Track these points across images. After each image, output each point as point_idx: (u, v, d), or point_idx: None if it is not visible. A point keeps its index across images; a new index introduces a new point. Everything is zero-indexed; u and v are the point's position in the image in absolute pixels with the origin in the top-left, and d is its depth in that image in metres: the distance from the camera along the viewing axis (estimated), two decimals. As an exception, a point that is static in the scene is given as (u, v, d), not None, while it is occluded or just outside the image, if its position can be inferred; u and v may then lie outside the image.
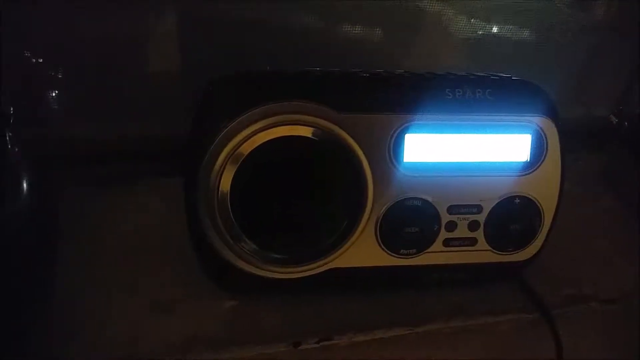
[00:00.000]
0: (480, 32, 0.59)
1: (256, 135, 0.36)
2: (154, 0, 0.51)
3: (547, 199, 0.41)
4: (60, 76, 0.51)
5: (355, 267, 0.41)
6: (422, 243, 0.41)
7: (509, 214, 0.41)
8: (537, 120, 0.40)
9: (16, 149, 0.40)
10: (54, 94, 0.52)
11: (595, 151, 0.62)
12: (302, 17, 0.54)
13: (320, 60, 0.51)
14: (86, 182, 0.51)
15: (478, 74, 0.41)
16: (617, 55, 0.64)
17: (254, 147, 0.36)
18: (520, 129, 0.40)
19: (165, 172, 0.51)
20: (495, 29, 0.59)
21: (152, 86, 0.54)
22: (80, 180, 0.51)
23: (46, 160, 0.44)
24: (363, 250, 0.40)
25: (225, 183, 0.36)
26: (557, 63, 0.63)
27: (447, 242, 0.41)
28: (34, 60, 0.50)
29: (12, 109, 0.42)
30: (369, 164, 0.38)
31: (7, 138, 0.40)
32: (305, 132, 0.37)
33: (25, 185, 0.39)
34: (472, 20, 0.58)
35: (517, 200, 0.41)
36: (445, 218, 0.40)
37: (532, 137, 0.40)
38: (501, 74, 0.42)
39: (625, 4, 0.62)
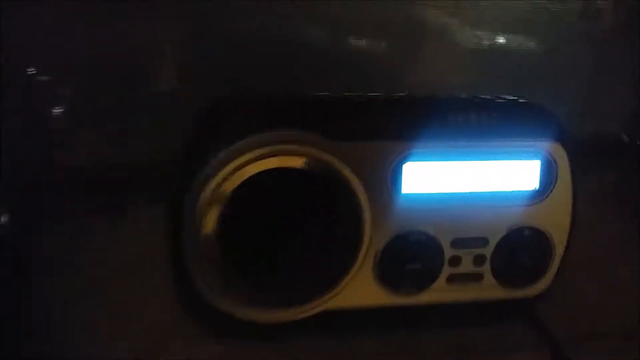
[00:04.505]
0: (485, 43, 0.58)
1: (244, 168, 0.34)
2: (149, 24, 0.50)
3: (558, 229, 0.39)
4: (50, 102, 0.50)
5: (352, 308, 0.38)
6: (425, 280, 0.38)
7: (517, 247, 0.39)
8: (546, 145, 0.38)
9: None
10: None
11: (606, 170, 0.60)
12: (305, 30, 0.54)
13: (325, 74, 0.53)
14: (77, 211, 0.48)
15: (482, 96, 0.39)
16: (628, 70, 0.62)
17: (242, 180, 0.34)
18: (528, 155, 0.38)
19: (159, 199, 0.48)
20: (501, 40, 0.58)
21: (145, 111, 0.52)
22: (71, 210, 0.49)
23: (32, 189, 0.43)
24: (361, 289, 0.38)
25: (211, 219, 0.34)
26: (564, 79, 0.61)
27: (451, 279, 0.39)
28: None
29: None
30: (366, 195, 0.36)
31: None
32: (297, 163, 0.34)
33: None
34: (477, 32, 0.57)
35: (526, 232, 0.39)
36: (449, 252, 0.38)
37: (541, 163, 0.38)
38: (507, 97, 0.40)
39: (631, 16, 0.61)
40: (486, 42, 0.58)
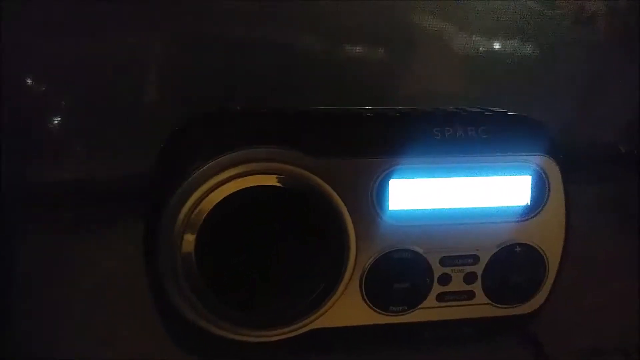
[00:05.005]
0: (482, 49, 0.56)
1: (222, 186, 0.32)
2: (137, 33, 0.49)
3: (552, 245, 0.38)
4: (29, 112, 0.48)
5: (339, 328, 0.37)
6: (414, 299, 0.37)
7: (509, 264, 0.37)
8: (537, 159, 0.36)
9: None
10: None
11: (603, 181, 0.58)
12: (299, 36, 0.52)
13: (319, 82, 0.51)
14: (55, 226, 0.47)
15: (470, 109, 0.38)
16: (624, 79, 0.61)
17: (219, 199, 0.32)
18: (518, 170, 0.36)
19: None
20: (497, 46, 0.57)
21: (125, 123, 0.50)
22: (49, 225, 0.47)
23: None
24: (348, 309, 0.36)
25: (188, 240, 0.33)
26: (560, 87, 0.59)
27: (441, 297, 0.37)
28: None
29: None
30: (350, 214, 0.34)
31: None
32: (277, 181, 0.33)
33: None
34: (474, 37, 0.55)
35: (518, 249, 0.37)
36: (438, 270, 0.36)
37: (532, 178, 0.36)
38: (495, 109, 0.38)
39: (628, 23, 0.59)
40: (479, 49, 0.56)
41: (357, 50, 0.54)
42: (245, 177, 0.32)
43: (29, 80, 0.47)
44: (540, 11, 0.56)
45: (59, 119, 0.49)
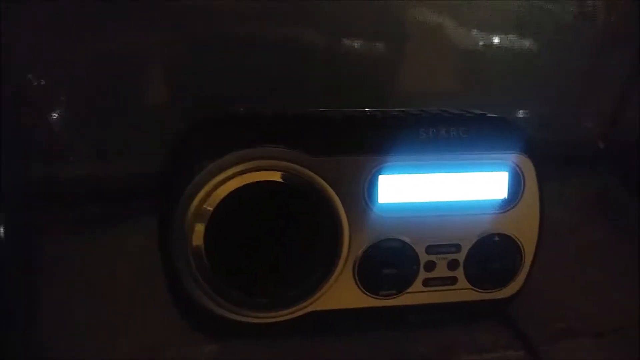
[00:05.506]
0: (481, 44, 0.59)
1: (227, 182, 0.36)
2: (139, 34, 0.51)
3: (527, 235, 0.41)
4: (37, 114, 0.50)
5: (335, 310, 0.40)
6: (402, 284, 0.40)
7: (488, 252, 0.41)
8: (513, 157, 0.39)
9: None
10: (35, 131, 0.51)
11: (585, 176, 0.61)
12: (300, 31, 0.54)
13: (320, 77, 0.54)
14: (68, 224, 0.50)
15: (453, 111, 0.41)
16: (609, 76, 0.63)
17: (226, 194, 0.36)
18: (496, 167, 0.40)
19: (148, 211, 0.49)
20: (496, 41, 0.59)
21: (133, 122, 0.53)
22: (63, 223, 0.50)
23: (24, 203, 0.43)
24: (342, 293, 0.40)
25: (198, 232, 0.36)
26: (547, 85, 0.62)
27: (426, 282, 0.41)
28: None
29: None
30: (344, 207, 0.38)
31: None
32: (277, 177, 0.36)
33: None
34: (473, 31, 0.58)
35: (496, 238, 0.40)
36: (424, 258, 0.40)
37: (509, 174, 0.40)
38: (476, 111, 0.42)
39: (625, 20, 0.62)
40: (482, 42, 0.58)
41: (357, 48, 0.56)
42: (249, 174, 0.36)
43: (29, 80, 0.49)
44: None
45: (60, 119, 0.51)
